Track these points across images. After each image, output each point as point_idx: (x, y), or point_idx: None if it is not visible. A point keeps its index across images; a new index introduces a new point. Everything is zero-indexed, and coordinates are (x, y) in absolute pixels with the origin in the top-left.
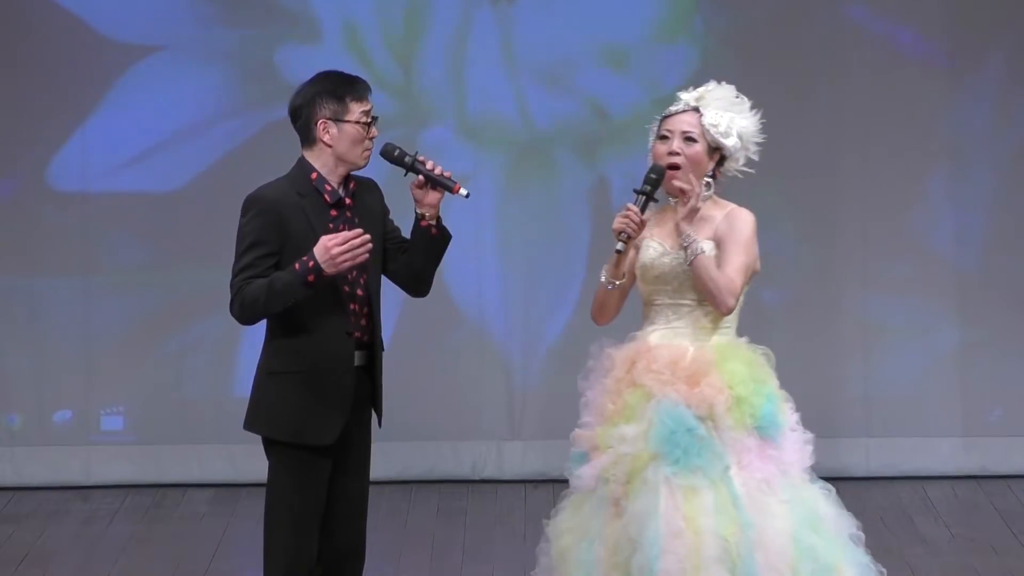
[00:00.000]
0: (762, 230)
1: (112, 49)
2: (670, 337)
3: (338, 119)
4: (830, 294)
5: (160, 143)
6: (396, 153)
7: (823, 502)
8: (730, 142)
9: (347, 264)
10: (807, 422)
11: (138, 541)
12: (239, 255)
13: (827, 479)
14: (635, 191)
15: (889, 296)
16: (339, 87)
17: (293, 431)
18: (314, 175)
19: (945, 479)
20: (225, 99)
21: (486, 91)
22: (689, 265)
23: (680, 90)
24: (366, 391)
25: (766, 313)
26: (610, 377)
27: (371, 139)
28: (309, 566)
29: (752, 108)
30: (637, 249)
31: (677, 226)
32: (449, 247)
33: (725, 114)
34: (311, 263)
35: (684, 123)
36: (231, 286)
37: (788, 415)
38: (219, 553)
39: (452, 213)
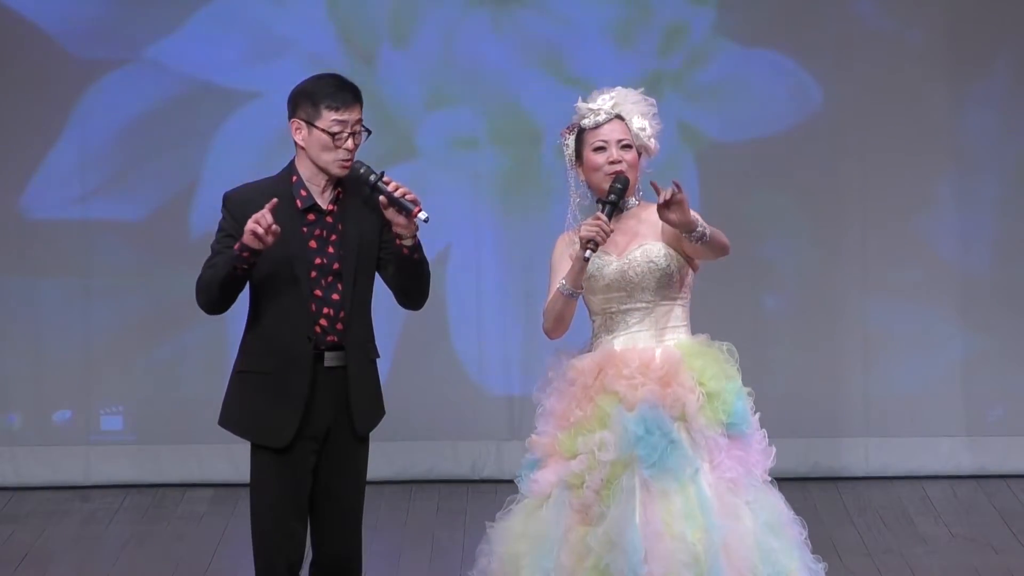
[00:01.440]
0: (765, 232)
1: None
2: (633, 342)
3: (310, 123)
4: (831, 295)
5: (159, 148)
6: (361, 171)
7: (782, 506)
8: (653, 143)
9: (249, 237)
10: (807, 422)
11: (138, 541)
12: (212, 248)
13: (827, 479)
14: (599, 201)
15: (889, 297)
16: (319, 91)
17: (249, 430)
18: (295, 178)
19: (945, 479)
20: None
21: (493, 89)
22: (701, 241)
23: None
24: (342, 393)
25: (768, 314)
26: (577, 385)
27: (347, 150)
28: (288, 561)
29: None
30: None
31: (681, 220)
32: (448, 247)
33: (646, 119)
34: (236, 246)
35: (617, 132)
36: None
37: (753, 414)
38: (219, 553)
39: (451, 212)
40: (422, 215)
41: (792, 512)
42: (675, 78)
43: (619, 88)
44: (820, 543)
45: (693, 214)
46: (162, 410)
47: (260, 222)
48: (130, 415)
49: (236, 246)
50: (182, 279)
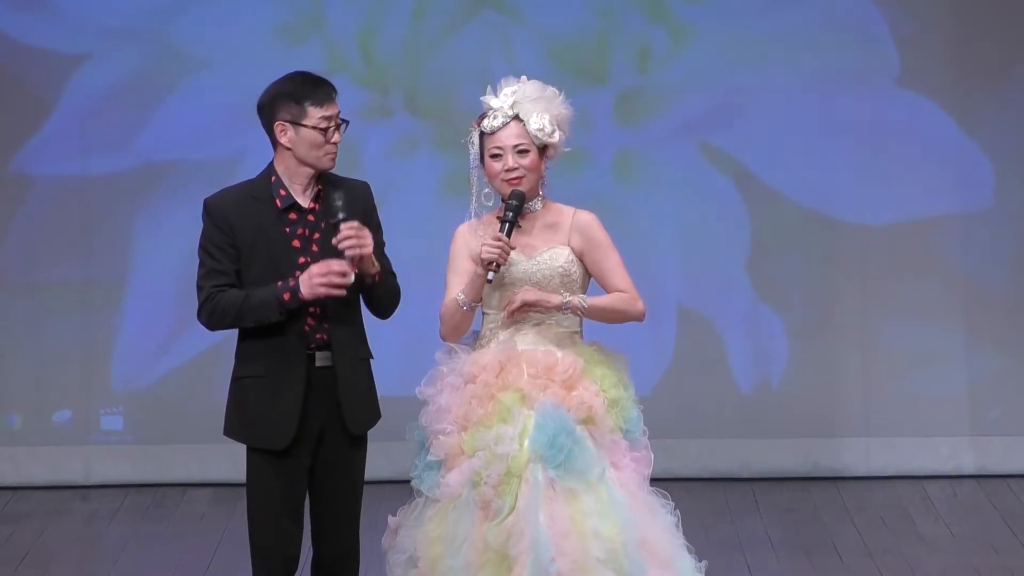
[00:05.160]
0: (770, 233)
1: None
2: (535, 342)
3: (296, 123)
4: (830, 293)
5: (165, 149)
6: (336, 203)
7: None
8: (556, 138)
9: (323, 290)
10: (807, 421)
11: (138, 541)
12: (200, 261)
13: (827, 479)
14: (498, 218)
15: (889, 295)
16: (300, 90)
17: (250, 435)
18: (273, 178)
19: (945, 478)
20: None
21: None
22: (583, 314)
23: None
24: (333, 393)
25: (768, 312)
26: (479, 383)
27: (334, 143)
28: (285, 562)
29: (559, 94)
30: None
31: (537, 303)
32: (447, 249)
33: (544, 115)
34: (292, 282)
35: (512, 137)
36: (198, 290)
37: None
38: (219, 553)
39: (450, 213)
40: (350, 277)
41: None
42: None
43: (523, 80)
44: (820, 543)
45: (555, 299)
46: (162, 410)
47: (334, 283)
48: (130, 415)
49: (286, 295)
50: (182, 278)
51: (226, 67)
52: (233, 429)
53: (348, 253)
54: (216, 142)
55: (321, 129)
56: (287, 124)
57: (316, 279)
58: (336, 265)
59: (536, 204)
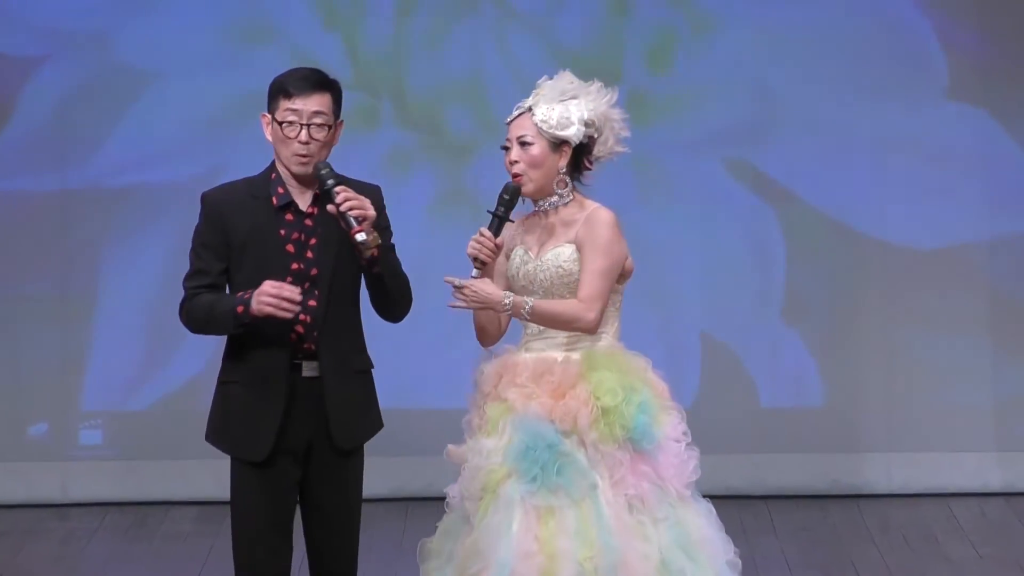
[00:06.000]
0: (794, 242)
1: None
2: (543, 348)
3: (272, 115)
4: (852, 301)
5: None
6: (322, 172)
7: (702, 522)
8: (570, 132)
9: (268, 309)
10: (826, 435)
11: (118, 562)
12: (190, 258)
13: (847, 496)
14: (489, 212)
15: (913, 304)
16: (282, 80)
17: (229, 443)
18: (273, 175)
19: (972, 496)
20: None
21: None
22: (527, 318)
23: None
24: (320, 405)
25: (785, 321)
26: (478, 392)
27: (301, 143)
28: None
29: (602, 88)
30: (507, 257)
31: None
32: (446, 256)
33: (556, 106)
34: (247, 294)
35: (519, 128)
36: (183, 288)
37: (669, 426)
38: (204, 574)
39: (449, 220)
40: (359, 236)
41: (719, 530)
42: None
43: (546, 77)
44: (840, 564)
45: (496, 296)
46: (144, 423)
47: (281, 306)
48: (110, 428)
49: (239, 308)
50: (165, 285)
51: (179, 77)
52: (214, 435)
53: (352, 214)
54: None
55: (280, 123)
56: (267, 116)
57: (264, 297)
58: (288, 291)
59: (556, 200)
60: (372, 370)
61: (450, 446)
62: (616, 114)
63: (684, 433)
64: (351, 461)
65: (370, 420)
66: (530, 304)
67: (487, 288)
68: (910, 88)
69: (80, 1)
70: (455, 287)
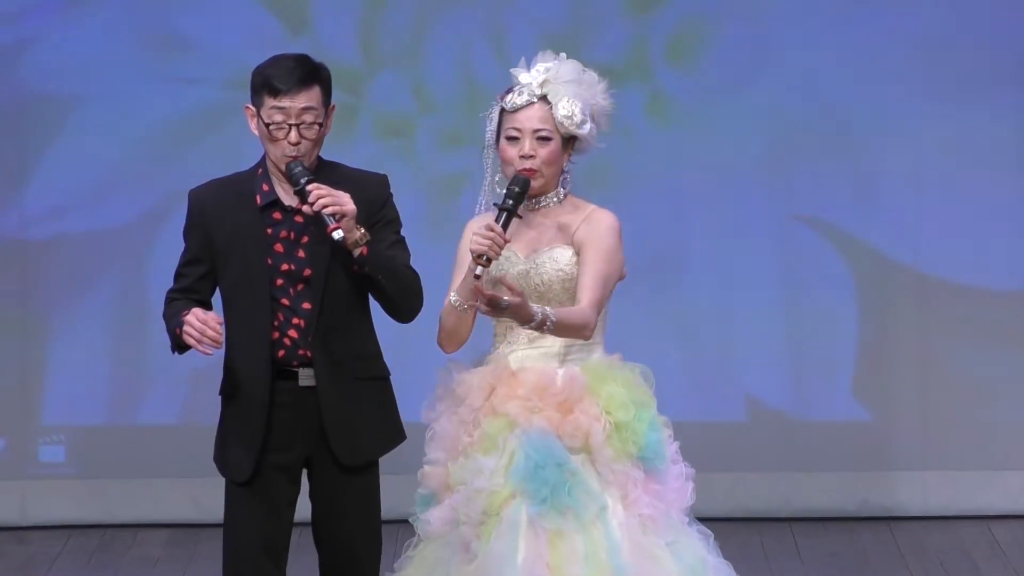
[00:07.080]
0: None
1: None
2: (534, 358)
3: (257, 110)
4: (885, 311)
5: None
6: (295, 171)
7: (704, 550)
8: (586, 130)
9: (190, 341)
10: (856, 452)
11: None
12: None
13: (878, 519)
14: (496, 206)
15: (948, 314)
16: (267, 72)
17: (218, 462)
18: (260, 171)
19: (1014, 518)
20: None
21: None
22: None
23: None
24: (317, 417)
25: (810, 330)
26: (464, 407)
27: (291, 143)
28: None
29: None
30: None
31: (520, 309)
32: (437, 260)
33: (577, 102)
34: (186, 315)
35: (535, 120)
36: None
37: (669, 445)
38: None
39: (448, 224)
40: (336, 234)
41: (717, 557)
42: None
43: (560, 58)
44: None
45: (531, 308)
46: (110, 439)
47: (203, 341)
48: (73, 445)
49: (178, 330)
50: (134, 291)
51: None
52: (215, 454)
53: (327, 211)
54: None
55: (267, 123)
56: (252, 109)
57: (187, 327)
58: (212, 331)
59: (552, 199)
60: (389, 378)
61: (426, 467)
62: (608, 107)
63: (677, 452)
64: (360, 479)
65: (384, 433)
66: (554, 316)
67: (526, 304)
68: (954, 80)
69: None
70: (488, 303)
